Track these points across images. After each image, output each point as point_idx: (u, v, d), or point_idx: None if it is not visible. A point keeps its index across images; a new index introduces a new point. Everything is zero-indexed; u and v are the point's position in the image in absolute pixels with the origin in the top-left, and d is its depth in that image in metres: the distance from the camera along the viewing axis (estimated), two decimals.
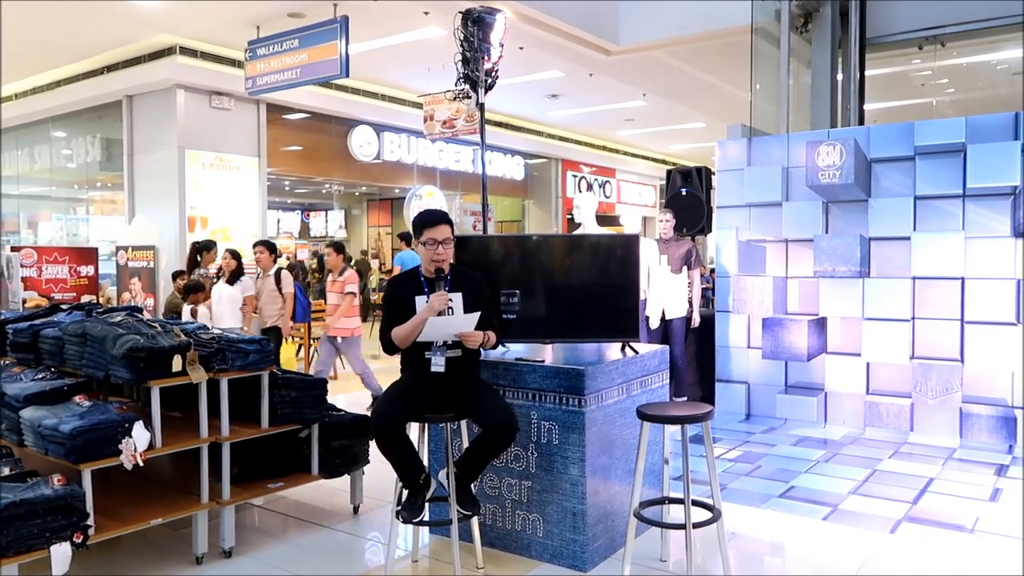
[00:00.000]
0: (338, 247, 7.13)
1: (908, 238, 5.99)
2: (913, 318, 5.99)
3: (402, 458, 3.28)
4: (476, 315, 3.27)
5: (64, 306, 4.65)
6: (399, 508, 3.34)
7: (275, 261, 6.90)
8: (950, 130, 5.84)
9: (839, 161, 5.90)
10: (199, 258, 8.18)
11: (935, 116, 10.39)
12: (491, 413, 3.29)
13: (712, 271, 8.24)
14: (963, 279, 5.80)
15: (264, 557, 3.73)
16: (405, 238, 11.31)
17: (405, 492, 3.35)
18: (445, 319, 3.24)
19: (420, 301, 3.35)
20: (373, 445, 3.86)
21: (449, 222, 3.43)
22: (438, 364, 3.31)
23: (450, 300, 3.28)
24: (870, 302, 6.13)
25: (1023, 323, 5.58)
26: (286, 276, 6.91)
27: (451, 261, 3.48)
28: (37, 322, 4.24)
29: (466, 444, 3.49)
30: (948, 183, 5.87)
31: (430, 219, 3.40)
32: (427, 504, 3.39)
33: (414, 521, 3.33)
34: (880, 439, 5.89)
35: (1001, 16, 7.32)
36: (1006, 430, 5.62)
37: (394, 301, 3.44)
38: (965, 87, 10.83)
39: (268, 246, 7.05)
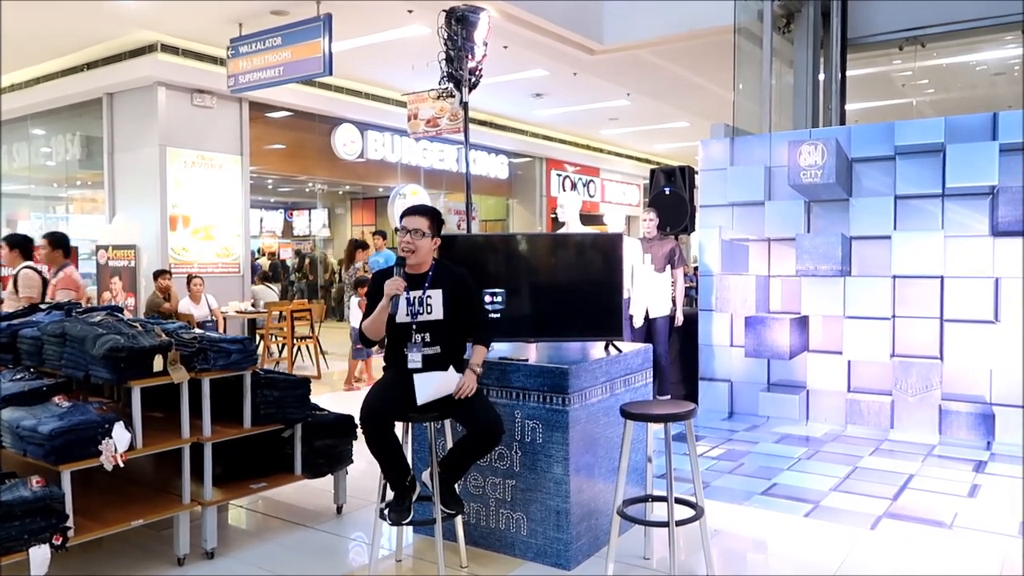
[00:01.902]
0: (55, 239, 5.58)
1: (888, 237, 6.05)
2: (893, 316, 6.05)
3: (389, 457, 3.27)
4: (456, 375, 3.34)
5: (43, 305, 4.60)
6: (386, 508, 3.33)
7: (65, 256, 5.64)
8: (930, 130, 5.90)
9: (821, 161, 5.95)
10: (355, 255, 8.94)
11: (915, 116, 10.52)
12: (476, 414, 3.30)
13: (695, 270, 8.27)
14: (942, 277, 5.86)
15: (247, 558, 3.71)
16: (379, 234, 11.46)
17: (391, 492, 3.35)
18: (432, 382, 3.29)
19: (399, 297, 3.35)
20: (356, 444, 3.86)
21: (426, 214, 3.44)
22: (414, 360, 3.33)
23: (405, 287, 3.28)
24: (851, 301, 6.19)
25: (1001, 321, 5.66)
26: (24, 276, 5.51)
27: (435, 257, 3.49)
28: (15, 322, 4.19)
29: (450, 443, 3.49)
30: (928, 183, 5.93)
31: (408, 210, 3.48)
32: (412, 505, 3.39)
33: (402, 523, 3.33)
34: (861, 436, 5.94)
35: (981, 17, 7.42)
36: (984, 427, 5.69)
37: (375, 297, 3.45)
38: (945, 87, 10.97)
39: (9, 241, 5.69)
